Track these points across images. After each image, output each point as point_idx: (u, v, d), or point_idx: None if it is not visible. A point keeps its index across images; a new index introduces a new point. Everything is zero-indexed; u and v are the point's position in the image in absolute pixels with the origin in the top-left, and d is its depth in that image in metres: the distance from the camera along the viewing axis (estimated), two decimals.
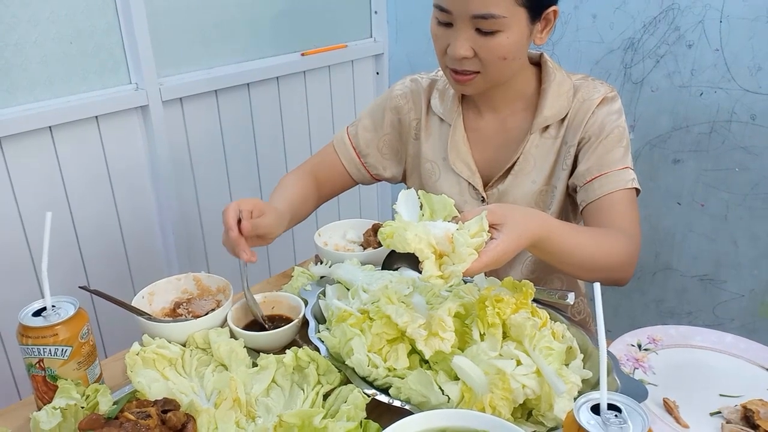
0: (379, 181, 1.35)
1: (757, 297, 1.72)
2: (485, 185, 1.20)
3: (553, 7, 1.07)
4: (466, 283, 0.96)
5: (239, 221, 1.01)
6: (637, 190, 1.11)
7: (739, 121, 1.61)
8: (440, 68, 1.16)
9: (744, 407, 0.83)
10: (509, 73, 1.11)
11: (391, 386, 0.84)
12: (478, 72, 1.07)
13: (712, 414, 0.85)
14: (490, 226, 0.82)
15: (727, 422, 0.83)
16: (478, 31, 1.03)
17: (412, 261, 1.08)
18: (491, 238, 0.82)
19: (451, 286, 0.89)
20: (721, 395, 0.88)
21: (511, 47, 1.05)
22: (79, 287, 0.97)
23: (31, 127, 1.53)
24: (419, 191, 0.88)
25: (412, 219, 0.86)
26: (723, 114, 1.63)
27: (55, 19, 1.52)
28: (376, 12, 2.26)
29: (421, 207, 0.88)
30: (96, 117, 1.65)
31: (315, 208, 1.31)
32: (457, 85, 1.12)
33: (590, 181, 1.10)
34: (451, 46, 1.05)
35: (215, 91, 1.88)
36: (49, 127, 1.57)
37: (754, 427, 0.80)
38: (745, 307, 1.74)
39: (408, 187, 1.35)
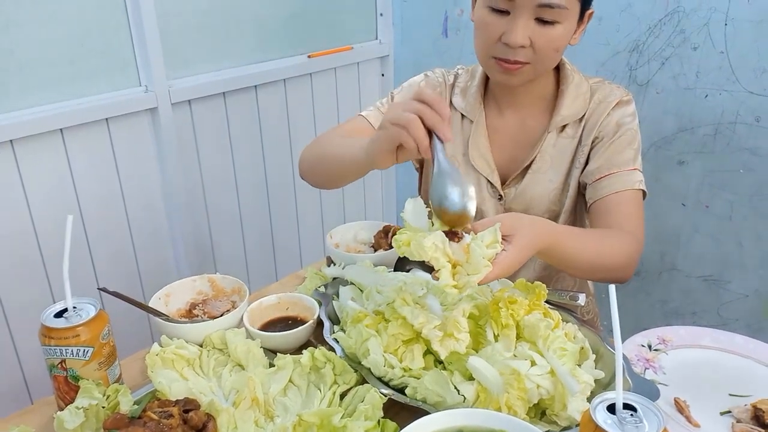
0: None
1: (762, 297, 1.73)
2: (503, 183, 1.22)
3: (591, 9, 1.11)
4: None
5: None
6: (644, 193, 1.13)
7: (744, 122, 1.62)
8: (478, 60, 1.16)
9: (754, 407, 0.85)
10: (552, 66, 1.14)
11: (406, 386, 0.85)
12: (528, 63, 1.08)
13: (722, 413, 0.87)
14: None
15: (737, 421, 0.84)
16: (538, 20, 1.05)
17: (424, 263, 1.09)
18: (502, 249, 0.84)
19: None
20: (731, 395, 0.90)
21: (563, 40, 1.08)
22: (98, 289, 0.99)
23: (41, 130, 1.54)
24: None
25: (421, 227, 0.87)
26: (728, 116, 1.64)
27: (65, 21, 1.53)
28: (381, 14, 2.27)
29: (430, 215, 0.89)
30: (106, 119, 1.67)
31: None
32: (504, 74, 1.11)
33: (599, 179, 1.13)
34: (507, 34, 1.05)
35: (223, 93, 1.89)
36: (60, 129, 1.59)
37: (764, 426, 0.82)
38: (750, 307, 1.76)
39: (420, 187, 1.37)
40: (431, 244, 0.80)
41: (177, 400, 0.81)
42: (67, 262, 0.86)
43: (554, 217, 1.21)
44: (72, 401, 0.82)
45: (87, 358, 0.85)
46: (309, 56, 2.08)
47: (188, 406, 0.80)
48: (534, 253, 0.90)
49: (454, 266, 0.82)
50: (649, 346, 0.98)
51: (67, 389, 0.86)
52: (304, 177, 1.25)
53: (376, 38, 2.31)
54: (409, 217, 0.87)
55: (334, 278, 1.14)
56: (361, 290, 1.06)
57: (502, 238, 0.85)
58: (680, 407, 0.87)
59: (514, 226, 0.86)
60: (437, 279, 0.81)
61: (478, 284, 0.81)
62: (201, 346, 0.99)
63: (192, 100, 1.82)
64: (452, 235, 0.83)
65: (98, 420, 0.81)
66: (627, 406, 0.65)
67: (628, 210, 1.10)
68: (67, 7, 1.53)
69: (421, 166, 1.34)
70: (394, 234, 1.22)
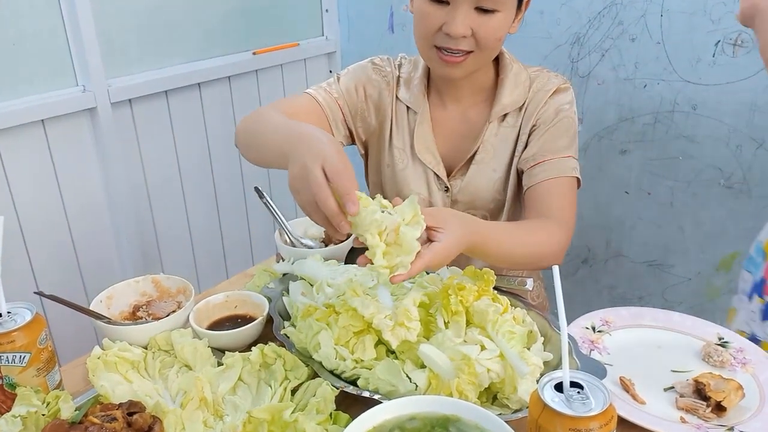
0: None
1: (704, 280, 1.79)
2: (449, 175, 1.23)
3: None
4: (428, 273, 0.98)
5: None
6: (579, 181, 1.15)
7: (681, 111, 1.68)
8: (419, 52, 1.15)
9: (695, 381, 0.87)
10: (493, 56, 1.15)
11: (359, 377, 0.85)
12: (471, 52, 1.08)
13: (666, 389, 0.89)
14: (430, 229, 0.85)
15: (680, 396, 0.87)
16: (478, 9, 1.04)
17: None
18: (432, 241, 0.85)
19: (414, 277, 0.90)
20: (673, 371, 0.92)
21: (504, 28, 1.08)
22: (35, 293, 0.95)
23: None
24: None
25: None
26: (666, 105, 1.70)
27: None
28: (327, 10, 2.26)
29: None
30: (42, 121, 1.61)
31: None
32: (445, 66, 1.10)
33: (534, 166, 1.15)
34: (448, 25, 1.05)
35: (165, 91, 1.85)
36: None
37: (706, 398, 0.85)
38: (693, 289, 1.82)
39: (366, 174, 1.35)
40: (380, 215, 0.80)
41: (120, 403, 0.78)
42: (0, 266, 0.82)
43: (500, 206, 1.23)
44: (9, 410, 0.79)
45: (24, 365, 0.81)
46: (254, 53, 2.05)
47: (133, 408, 0.78)
48: (463, 249, 0.90)
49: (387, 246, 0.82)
50: (593, 328, 1.01)
51: (3, 398, 0.82)
52: (237, 146, 1.16)
53: (323, 34, 2.30)
54: None
55: (284, 274, 1.12)
56: (311, 285, 1.05)
57: (434, 230, 0.86)
58: (626, 386, 0.89)
59: (445, 220, 0.87)
60: (371, 260, 0.80)
61: (408, 274, 0.81)
62: (146, 348, 0.96)
63: (133, 99, 1.77)
64: None
65: (38, 428, 0.78)
66: (574, 384, 0.66)
67: (560, 197, 1.12)
68: None
69: (366, 152, 1.33)
70: None
